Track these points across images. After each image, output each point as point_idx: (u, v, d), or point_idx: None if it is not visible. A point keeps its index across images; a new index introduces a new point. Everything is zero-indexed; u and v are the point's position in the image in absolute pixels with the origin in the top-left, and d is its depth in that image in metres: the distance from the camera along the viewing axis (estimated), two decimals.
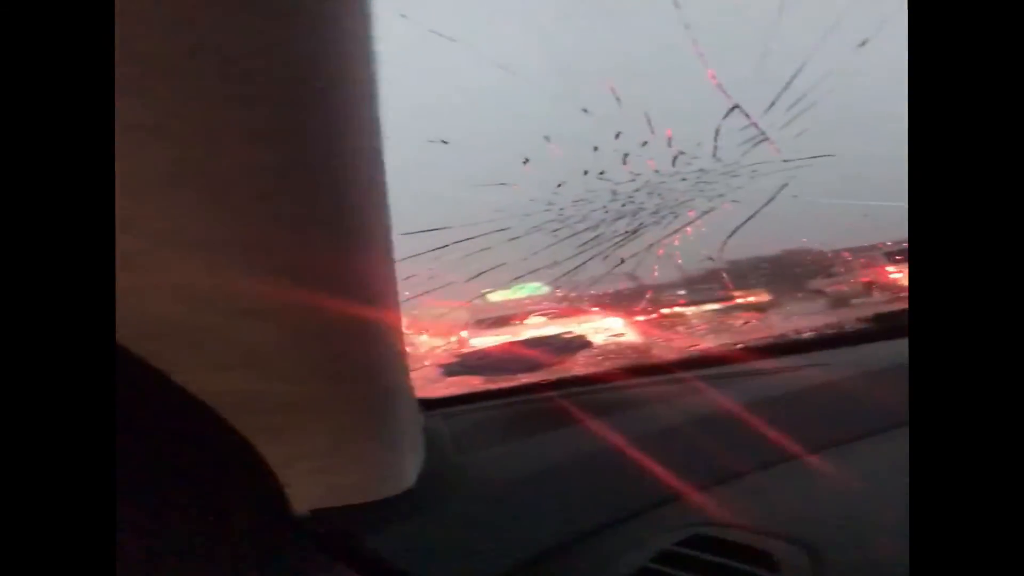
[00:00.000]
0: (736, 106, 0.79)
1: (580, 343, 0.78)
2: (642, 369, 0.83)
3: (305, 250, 0.35)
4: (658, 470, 0.55)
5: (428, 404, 0.73)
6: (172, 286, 0.32)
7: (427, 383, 0.80)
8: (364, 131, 0.37)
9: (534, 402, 0.76)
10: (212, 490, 0.44)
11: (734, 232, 1.01)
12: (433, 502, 0.50)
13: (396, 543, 0.46)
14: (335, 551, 0.45)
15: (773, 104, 0.92)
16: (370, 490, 0.48)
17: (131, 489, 0.39)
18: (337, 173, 0.35)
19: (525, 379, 0.81)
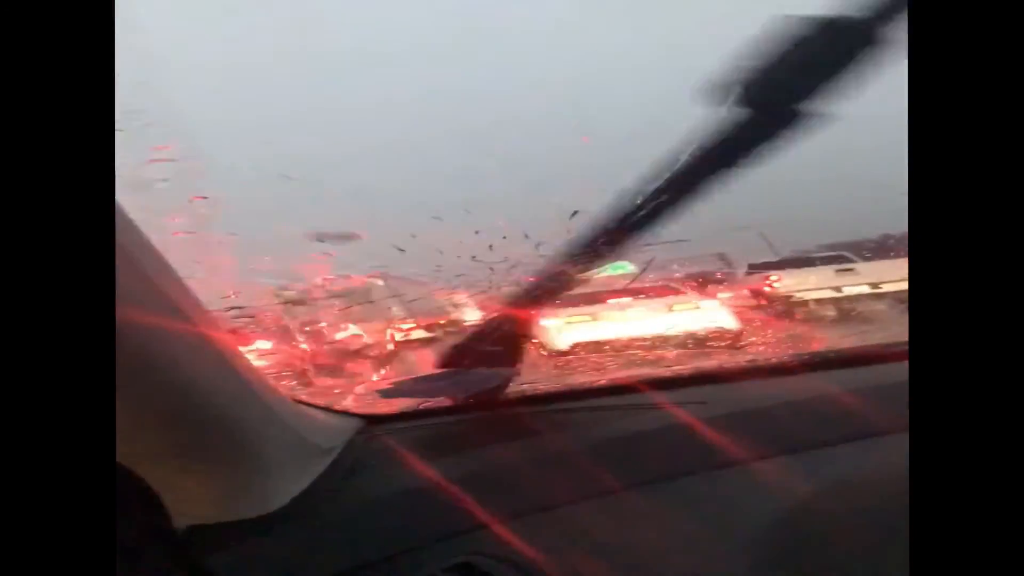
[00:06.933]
0: (576, 212, 0.80)
1: (508, 376, 0.81)
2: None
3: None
4: (490, 497, 0.59)
5: (372, 420, 0.82)
6: None
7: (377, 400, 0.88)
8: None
9: (457, 423, 0.81)
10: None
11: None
12: (289, 522, 0.58)
13: (235, 563, 0.54)
14: (192, 570, 0.54)
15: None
16: (230, 511, 0.57)
17: None
18: None
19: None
